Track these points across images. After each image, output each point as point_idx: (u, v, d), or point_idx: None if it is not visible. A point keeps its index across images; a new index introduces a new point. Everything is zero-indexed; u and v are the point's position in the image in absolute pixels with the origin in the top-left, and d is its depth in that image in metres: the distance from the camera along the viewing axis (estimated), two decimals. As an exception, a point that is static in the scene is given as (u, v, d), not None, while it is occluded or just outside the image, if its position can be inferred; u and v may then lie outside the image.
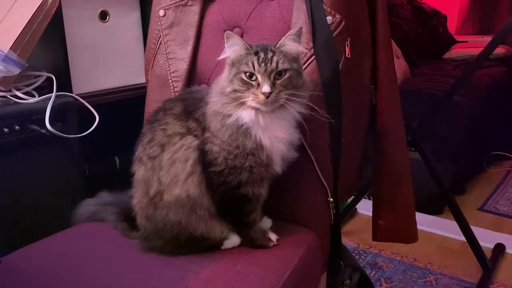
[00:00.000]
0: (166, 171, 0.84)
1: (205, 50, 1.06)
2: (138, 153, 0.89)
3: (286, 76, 0.79)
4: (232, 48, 0.81)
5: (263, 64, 0.78)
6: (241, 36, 1.03)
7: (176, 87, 1.05)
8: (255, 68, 0.78)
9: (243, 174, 0.82)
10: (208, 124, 0.84)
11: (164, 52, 1.07)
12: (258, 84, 0.78)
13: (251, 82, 0.78)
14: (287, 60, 0.79)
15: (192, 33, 1.05)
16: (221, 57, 0.83)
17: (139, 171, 0.89)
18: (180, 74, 1.05)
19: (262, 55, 0.79)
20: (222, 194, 0.84)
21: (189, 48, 1.05)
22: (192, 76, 1.06)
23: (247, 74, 0.78)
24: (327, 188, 0.95)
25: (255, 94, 0.78)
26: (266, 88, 0.77)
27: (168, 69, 1.06)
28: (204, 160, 0.83)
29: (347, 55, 0.91)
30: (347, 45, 0.92)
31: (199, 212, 0.84)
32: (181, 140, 0.85)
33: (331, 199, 0.96)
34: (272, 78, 0.78)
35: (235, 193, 0.84)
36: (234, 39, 0.81)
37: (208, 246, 0.87)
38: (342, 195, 1.02)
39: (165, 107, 0.90)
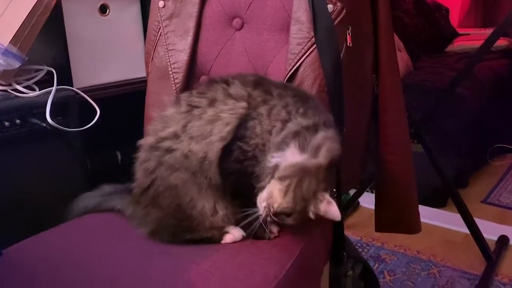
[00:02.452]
0: (201, 124, 0.82)
1: (205, 41, 1.05)
2: (181, 96, 0.89)
3: None
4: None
5: None
6: (242, 26, 1.02)
7: (176, 78, 1.04)
8: None
9: (257, 168, 0.80)
10: (271, 102, 0.81)
11: (164, 44, 1.06)
12: None
13: None
14: None
15: (192, 24, 1.04)
16: None
17: (170, 111, 0.88)
18: (181, 66, 1.04)
19: None
20: (235, 175, 0.81)
21: (189, 39, 1.04)
22: (193, 67, 1.06)
23: None
24: (330, 179, 0.94)
25: None
26: None
27: (168, 60, 1.05)
28: (237, 131, 0.81)
29: (348, 44, 0.91)
30: (349, 34, 0.91)
31: (199, 179, 0.82)
32: (235, 103, 0.83)
33: (334, 190, 0.96)
34: None
35: (245, 180, 0.81)
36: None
37: (196, 222, 0.84)
38: (345, 187, 1.02)
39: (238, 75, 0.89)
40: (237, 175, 0.81)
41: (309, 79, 0.90)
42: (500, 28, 1.77)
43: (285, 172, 0.75)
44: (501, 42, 3.10)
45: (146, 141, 0.89)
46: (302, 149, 0.76)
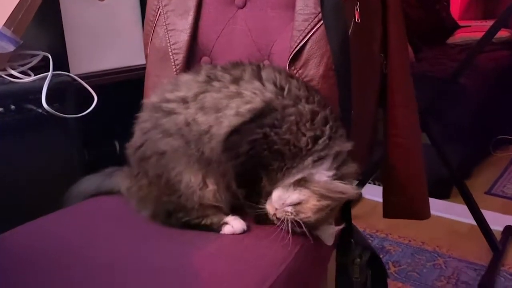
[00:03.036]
0: (218, 97, 0.79)
1: (206, 20, 1.01)
2: (202, 66, 0.88)
3: None
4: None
5: None
6: (244, 4, 0.98)
7: (176, 59, 1.00)
8: None
9: (277, 163, 0.77)
10: (315, 108, 0.78)
11: (164, 24, 1.02)
12: None
13: None
14: None
15: (192, 3, 1.00)
16: None
17: (185, 76, 0.86)
18: (181, 46, 1.00)
19: None
20: (244, 158, 0.77)
21: (189, 19, 1.00)
22: (193, 47, 1.01)
23: None
24: (337, 161, 0.91)
25: None
26: None
27: (168, 41, 1.01)
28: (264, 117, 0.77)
29: (356, 20, 0.87)
30: (357, 9, 0.87)
31: (190, 150, 0.79)
32: (265, 85, 0.80)
33: None
34: None
35: (255, 169, 0.78)
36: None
37: (185, 198, 0.81)
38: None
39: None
40: (248, 160, 0.77)
41: (316, 57, 0.87)
42: (502, 18, 1.75)
43: (327, 192, 0.74)
44: (503, 33, 3.07)
45: (150, 99, 0.87)
46: (336, 169, 0.77)
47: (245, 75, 0.82)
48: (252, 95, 0.78)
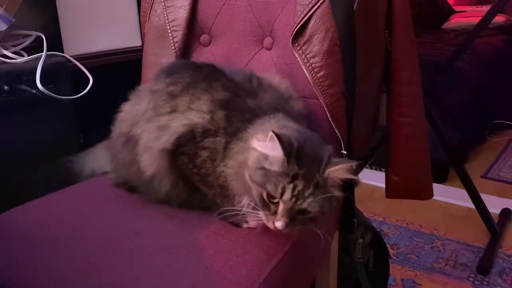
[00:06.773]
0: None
1: (206, -5, 0.98)
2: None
3: (311, 216, 0.68)
4: (269, 153, 0.67)
5: (294, 199, 0.66)
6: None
7: (175, 37, 0.98)
8: (283, 198, 0.66)
9: None
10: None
11: (162, 0, 0.99)
12: (276, 212, 0.67)
13: (269, 203, 0.67)
14: (327, 200, 0.68)
15: (192, -22, 0.97)
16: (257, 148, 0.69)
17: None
18: (180, 23, 0.98)
19: (300, 186, 0.66)
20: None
21: (188, -5, 0.97)
22: (192, 25, 0.99)
23: (270, 196, 0.67)
24: (341, 140, 0.89)
25: (267, 218, 0.68)
26: (280, 224, 0.66)
27: (166, 18, 0.99)
28: None
29: (361, -6, 0.85)
30: (362, -17, 0.85)
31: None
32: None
33: (345, 152, 0.90)
34: (293, 215, 0.67)
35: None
36: (275, 145, 0.65)
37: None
38: (356, 150, 0.97)
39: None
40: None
41: (320, 32, 0.85)
42: (498, 4, 1.75)
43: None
44: (499, 19, 3.06)
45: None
46: None
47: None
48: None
